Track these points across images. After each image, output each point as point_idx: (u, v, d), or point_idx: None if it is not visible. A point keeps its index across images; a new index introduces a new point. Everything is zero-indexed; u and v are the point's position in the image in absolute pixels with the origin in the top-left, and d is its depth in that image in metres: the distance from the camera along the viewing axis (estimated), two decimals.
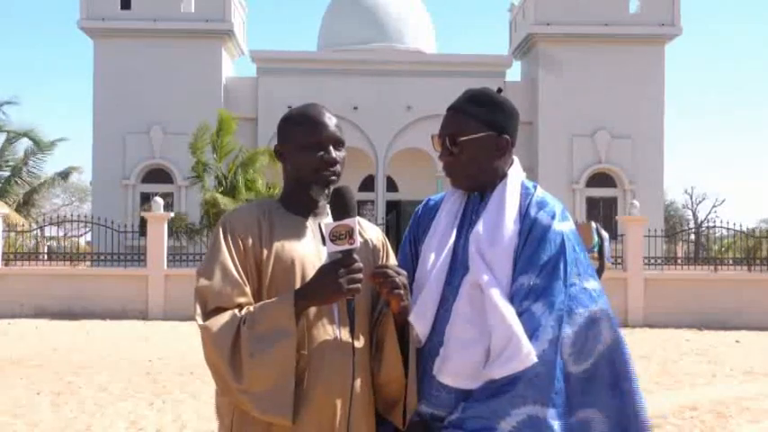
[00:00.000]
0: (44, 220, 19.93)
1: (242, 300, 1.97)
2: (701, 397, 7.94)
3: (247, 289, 1.99)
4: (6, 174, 21.60)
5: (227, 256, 1.99)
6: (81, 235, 21.79)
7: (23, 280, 15.86)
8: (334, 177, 2.09)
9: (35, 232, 19.75)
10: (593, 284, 2.09)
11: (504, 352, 1.95)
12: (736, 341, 13.15)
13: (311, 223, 2.12)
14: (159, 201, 16.74)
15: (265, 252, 2.03)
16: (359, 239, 1.95)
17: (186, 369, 9.12)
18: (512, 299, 2.03)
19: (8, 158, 21.78)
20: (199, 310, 1.96)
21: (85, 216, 21.52)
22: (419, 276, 2.15)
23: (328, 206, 2.14)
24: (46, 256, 18.72)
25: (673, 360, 10.78)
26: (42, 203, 22.64)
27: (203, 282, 1.98)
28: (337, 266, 1.94)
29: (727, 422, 6.81)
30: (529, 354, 1.93)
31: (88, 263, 17.79)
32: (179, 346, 11.20)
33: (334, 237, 1.94)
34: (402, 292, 2.01)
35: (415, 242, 2.29)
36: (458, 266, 2.11)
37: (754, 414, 7.21)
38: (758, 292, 16.03)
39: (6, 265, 16.53)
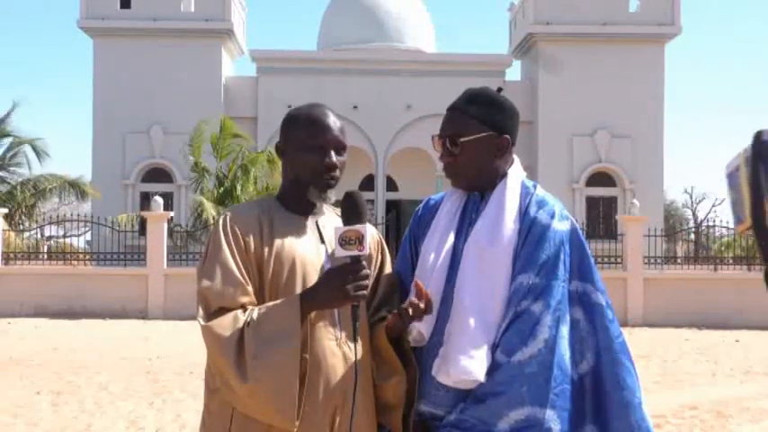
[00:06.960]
0: (44, 219, 19.87)
1: (245, 299, 1.94)
2: (701, 396, 7.93)
3: (250, 288, 1.95)
4: (13, 179, 21.50)
5: (228, 255, 1.96)
6: (80, 234, 21.72)
7: (23, 279, 15.85)
8: (332, 182, 2.07)
9: (35, 231, 19.71)
10: (580, 287, 2.09)
11: (457, 364, 1.96)
12: (736, 340, 13.14)
13: (310, 222, 2.10)
14: (159, 200, 16.73)
15: (266, 250, 2.00)
16: (368, 247, 1.91)
17: (186, 368, 9.11)
18: (511, 298, 2.03)
19: (15, 162, 21.69)
20: (201, 312, 1.93)
21: (85, 215, 21.51)
22: (419, 275, 2.14)
23: (327, 207, 2.14)
24: (46, 256, 18.70)
25: (672, 360, 10.77)
26: (44, 204, 22.52)
27: (205, 282, 1.94)
28: (344, 272, 1.90)
29: (726, 422, 6.81)
30: (475, 380, 1.95)
31: (92, 263, 17.77)
32: (179, 346, 11.19)
33: (344, 241, 1.90)
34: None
35: (415, 242, 2.28)
36: (458, 266, 2.11)
37: (754, 414, 7.21)
38: (758, 291, 15.78)
39: (6, 264, 16.53)
